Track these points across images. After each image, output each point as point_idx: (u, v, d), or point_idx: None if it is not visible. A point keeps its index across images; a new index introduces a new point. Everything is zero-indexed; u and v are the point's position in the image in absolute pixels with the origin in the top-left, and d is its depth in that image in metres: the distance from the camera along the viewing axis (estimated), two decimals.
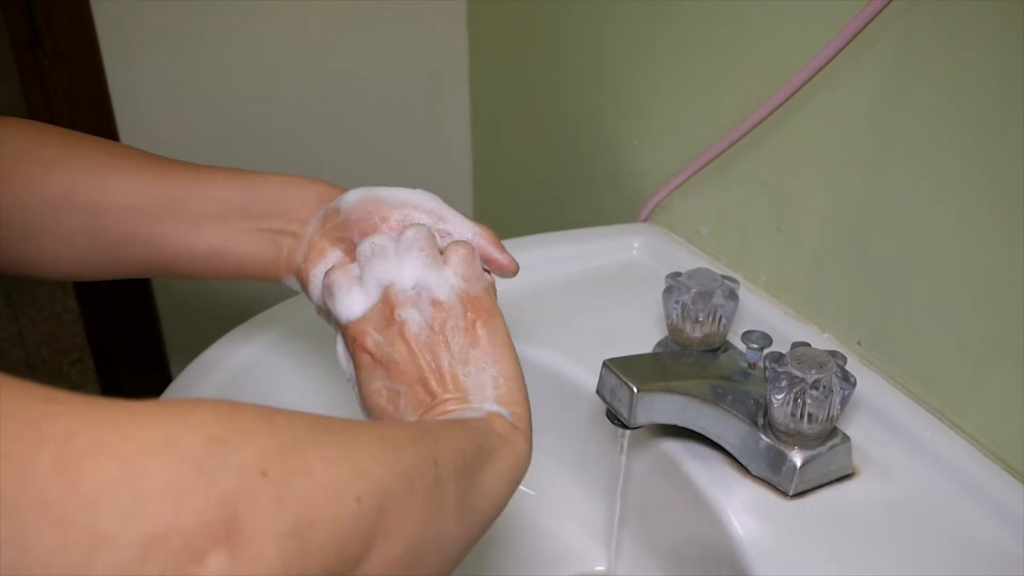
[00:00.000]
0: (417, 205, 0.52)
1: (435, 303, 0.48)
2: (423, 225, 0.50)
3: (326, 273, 0.50)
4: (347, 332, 0.49)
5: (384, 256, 0.49)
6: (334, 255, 0.52)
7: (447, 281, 0.49)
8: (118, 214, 0.53)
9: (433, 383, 0.47)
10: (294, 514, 0.27)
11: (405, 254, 0.49)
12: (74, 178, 0.53)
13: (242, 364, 0.70)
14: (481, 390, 0.47)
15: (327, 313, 0.51)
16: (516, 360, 0.49)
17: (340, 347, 0.51)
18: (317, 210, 0.53)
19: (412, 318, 0.47)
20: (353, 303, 0.49)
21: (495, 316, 0.49)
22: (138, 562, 0.23)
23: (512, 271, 0.53)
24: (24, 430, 0.24)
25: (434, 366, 0.47)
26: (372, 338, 0.48)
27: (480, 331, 0.48)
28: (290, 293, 0.58)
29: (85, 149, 0.54)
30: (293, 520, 0.27)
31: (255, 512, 0.26)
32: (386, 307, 0.48)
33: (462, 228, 0.52)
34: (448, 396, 0.46)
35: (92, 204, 0.53)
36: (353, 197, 0.52)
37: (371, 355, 0.47)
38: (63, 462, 0.24)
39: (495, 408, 0.46)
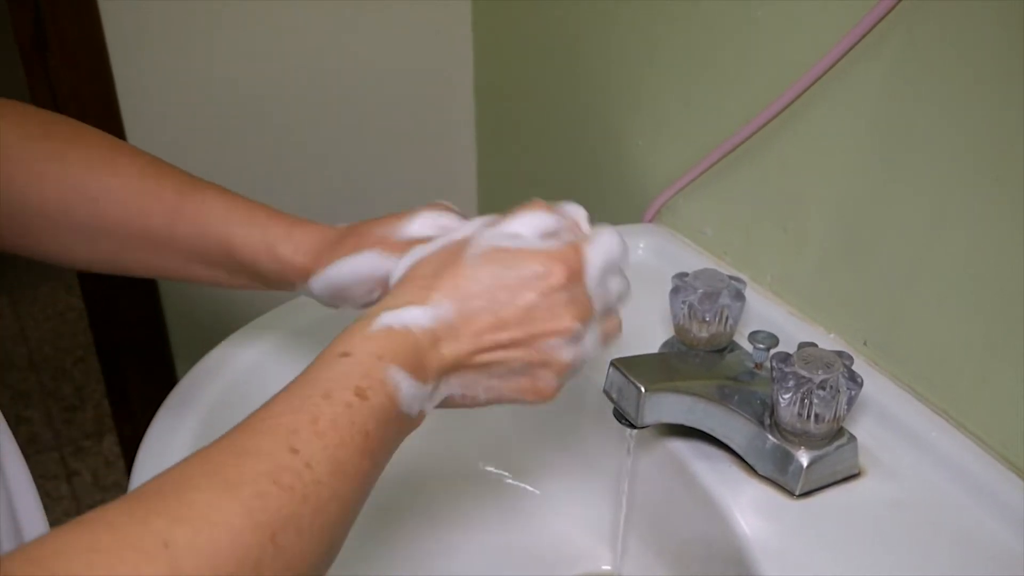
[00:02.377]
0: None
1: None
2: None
3: None
4: None
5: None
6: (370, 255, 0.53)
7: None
8: (112, 238, 0.55)
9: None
10: None
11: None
12: (66, 195, 0.54)
13: (247, 365, 0.70)
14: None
15: None
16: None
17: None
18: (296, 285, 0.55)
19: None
20: None
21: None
22: None
23: None
24: None
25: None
26: None
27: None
28: (298, 293, 0.58)
29: (77, 160, 0.54)
30: None
31: None
32: None
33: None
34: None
35: (87, 225, 0.54)
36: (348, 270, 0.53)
37: None
38: None
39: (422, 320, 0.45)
